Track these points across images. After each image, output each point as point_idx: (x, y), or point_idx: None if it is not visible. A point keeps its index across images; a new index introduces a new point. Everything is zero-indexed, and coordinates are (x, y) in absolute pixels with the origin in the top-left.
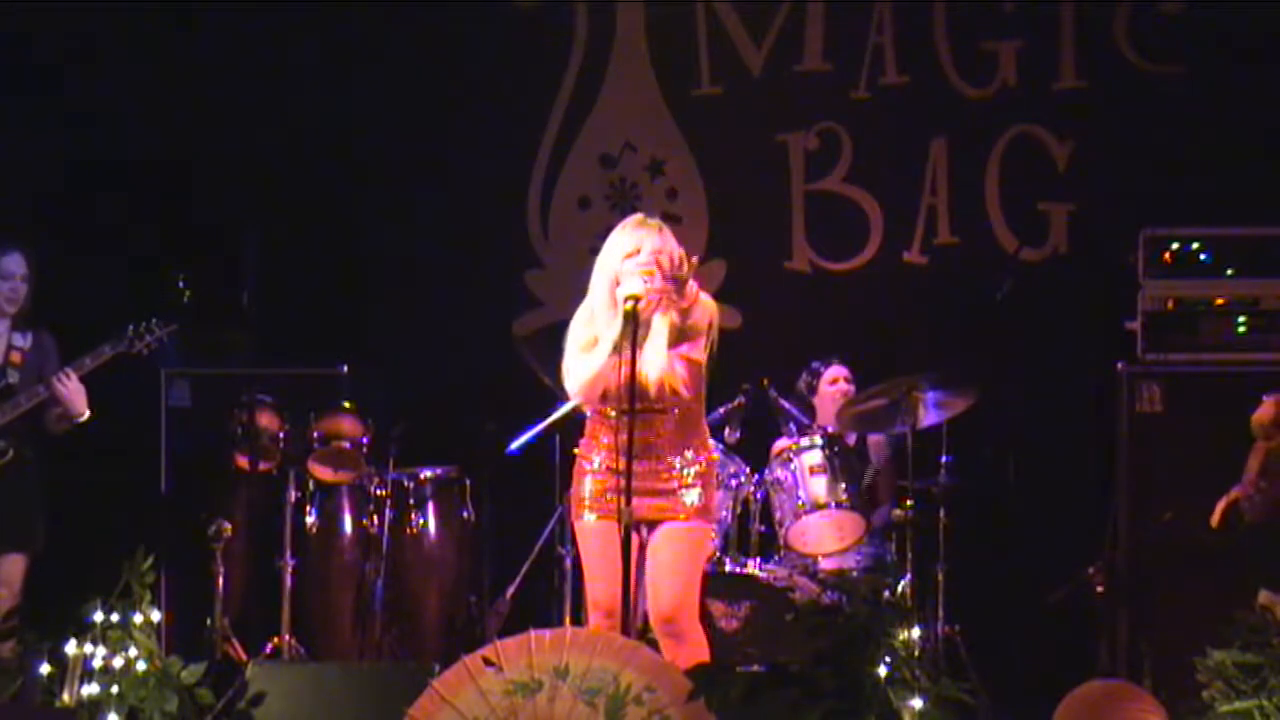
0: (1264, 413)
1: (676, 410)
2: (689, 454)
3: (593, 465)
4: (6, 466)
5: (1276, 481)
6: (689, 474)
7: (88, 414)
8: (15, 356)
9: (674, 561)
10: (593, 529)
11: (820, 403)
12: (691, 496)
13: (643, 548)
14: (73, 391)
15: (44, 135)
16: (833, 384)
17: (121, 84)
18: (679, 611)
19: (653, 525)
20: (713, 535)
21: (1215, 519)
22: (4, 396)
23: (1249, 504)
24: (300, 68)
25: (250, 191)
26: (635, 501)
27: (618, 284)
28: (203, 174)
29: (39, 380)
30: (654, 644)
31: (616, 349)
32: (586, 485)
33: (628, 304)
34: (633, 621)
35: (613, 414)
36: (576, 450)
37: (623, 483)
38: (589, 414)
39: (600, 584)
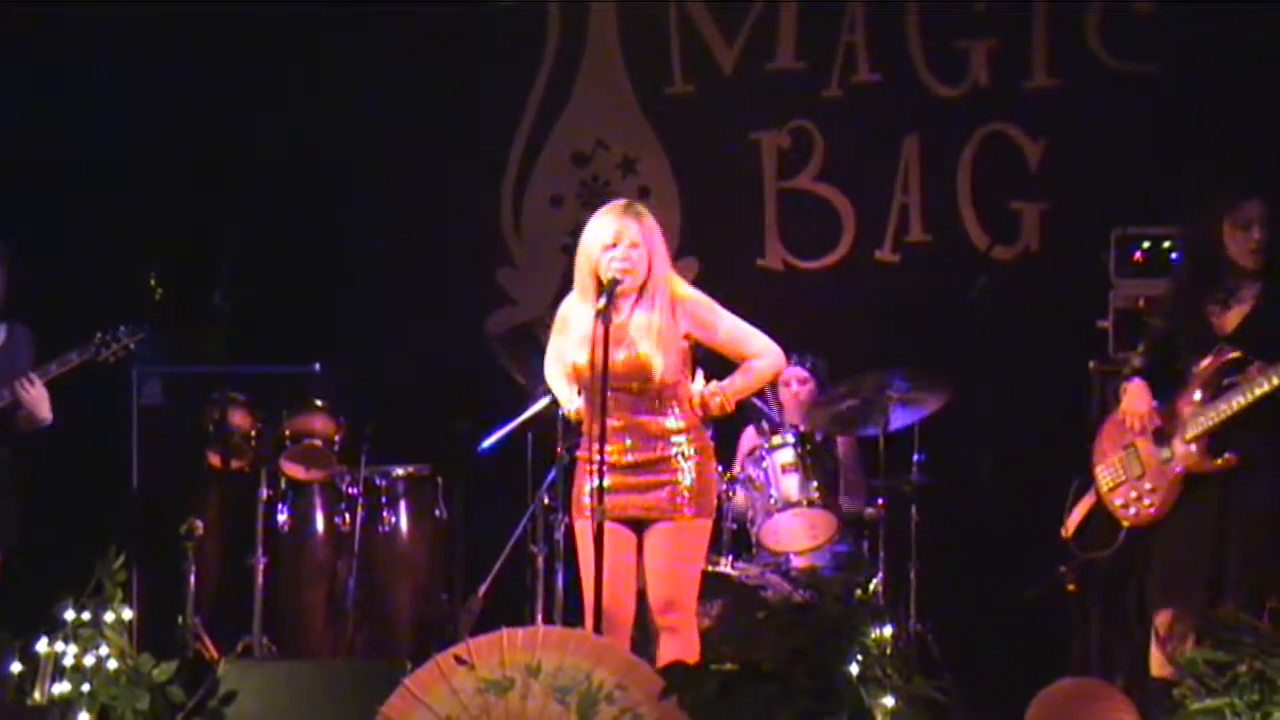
0: (1135, 405)
1: (660, 391)
2: (681, 437)
3: (586, 464)
4: None
5: (1161, 479)
6: (682, 454)
7: (50, 419)
8: None
9: (670, 561)
10: (585, 531)
11: (784, 402)
12: (687, 478)
13: (640, 548)
14: (36, 397)
15: (21, 133)
16: (786, 385)
17: (98, 84)
18: (672, 608)
19: (649, 523)
20: (710, 523)
21: (1070, 530)
22: None
23: (1135, 508)
24: (273, 68)
25: (224, 191)
26: (628, 499)
27: (596, 273)
28: (176, 174)
29: (11, 374)
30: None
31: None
32: (585, 486)
33: (606, 280)
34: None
35: (582, 397)
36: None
37: (606, 480)
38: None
39: (591, 584)
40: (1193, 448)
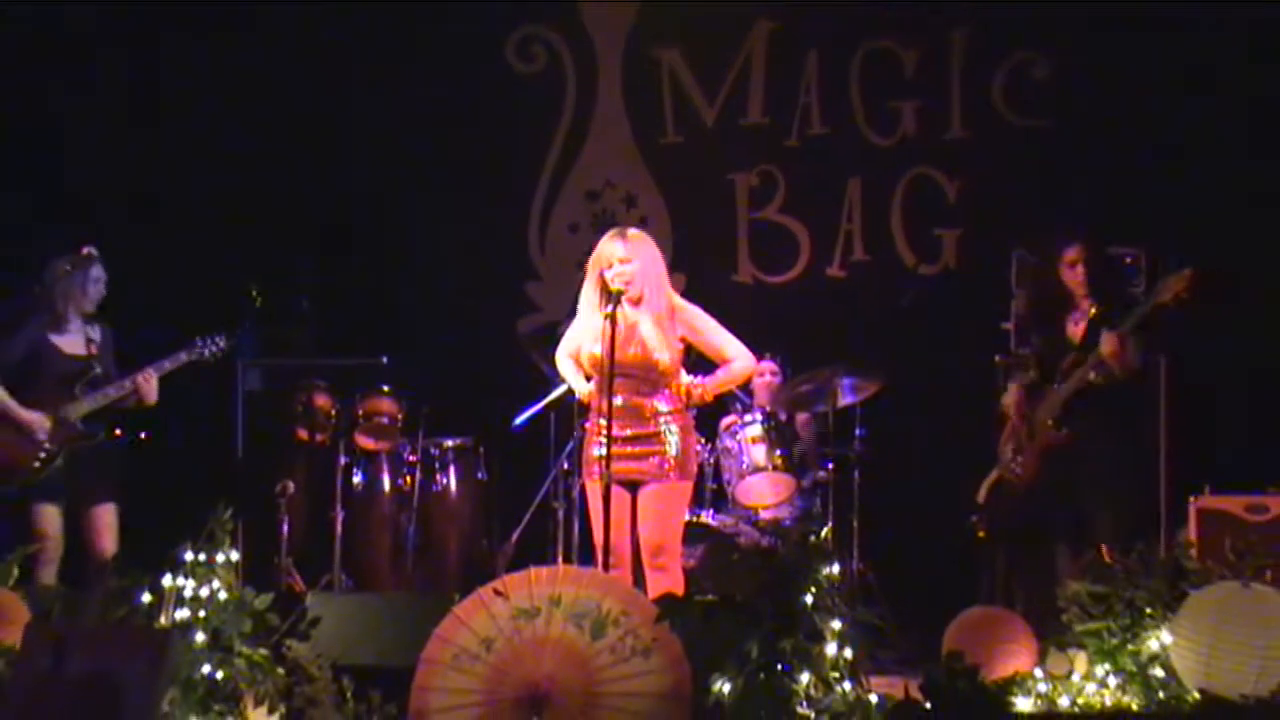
0: (1010, 399)
1: (657, 380)
2: (668, 417)
3: (595, 434)
4: (95, 445)
5: (1029, 459)
6: (669, 430)
7: (155, 401)
8: (93, 349)
9: (658, 515)
10: (594, 489)
11: (755, 389)
12: (672, 449)
13: (635, 504)
14: (153, 389)
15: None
16: (760, 376)
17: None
18: (661, 553)
19: (641, 485)
20: (690, 485)
21: (982, 496)
22: (95, 385)
23: (1014, 479)
24: (347, 132)
25: (311, 225)
26: (625, 465)
27: (598, 285)
28: (272, 212)
29: (104, 369)
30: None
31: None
32: (592, 451)
33: (613, 290)
34: (621, 562)
35: (595, 380)
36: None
37: (611, 448)
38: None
39: (600, 532)
40: (1048, 424)
